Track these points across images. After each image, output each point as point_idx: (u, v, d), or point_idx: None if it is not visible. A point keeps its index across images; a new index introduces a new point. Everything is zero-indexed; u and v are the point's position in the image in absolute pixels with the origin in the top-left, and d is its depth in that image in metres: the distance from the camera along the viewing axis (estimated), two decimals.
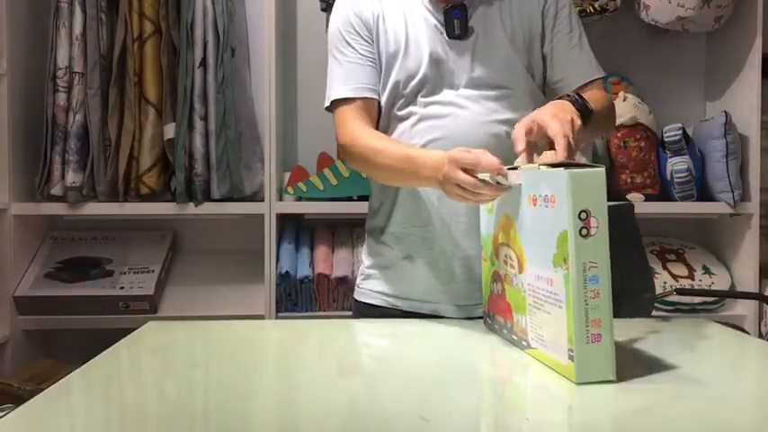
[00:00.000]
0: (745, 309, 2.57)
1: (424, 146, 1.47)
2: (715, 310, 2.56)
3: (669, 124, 2.57)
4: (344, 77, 1.53)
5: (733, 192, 2.52)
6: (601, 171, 1.03)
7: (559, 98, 1.38)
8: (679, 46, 2.80)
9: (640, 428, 0.90)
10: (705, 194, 2.60)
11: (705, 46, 2.82)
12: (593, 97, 1.45)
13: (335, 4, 1.59)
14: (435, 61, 1.49)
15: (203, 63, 2.38)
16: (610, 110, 1.55)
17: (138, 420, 0.92)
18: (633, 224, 2.09)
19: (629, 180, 2.56)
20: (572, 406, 0.98)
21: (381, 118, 1.56)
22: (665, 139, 2.56)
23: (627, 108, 2.54)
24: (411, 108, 1.51)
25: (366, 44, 1.53)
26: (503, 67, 1.50)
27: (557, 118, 1.23)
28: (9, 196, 2.36)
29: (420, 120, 1.50)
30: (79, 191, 2.39)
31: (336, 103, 1.53)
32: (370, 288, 1.60)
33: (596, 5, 2.48)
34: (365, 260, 1.64)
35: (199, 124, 2.38)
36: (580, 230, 1.01)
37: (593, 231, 1.01)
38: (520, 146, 1.23)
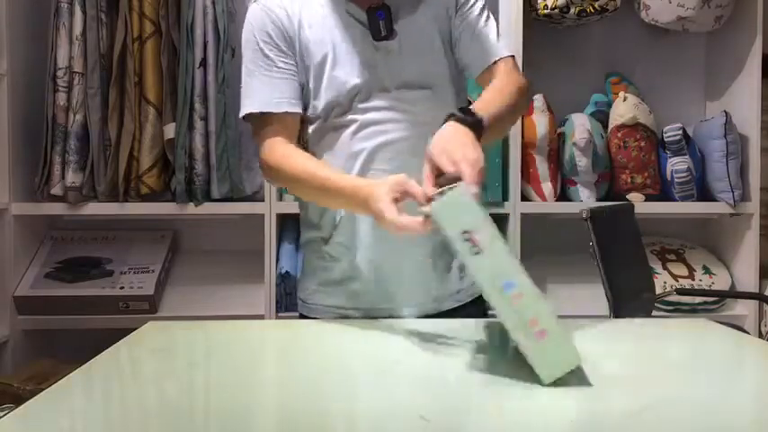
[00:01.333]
0: (745, 309, 2.57)
1: (371, 152, 1.44)
2: (715, 310, 2.57)
3: (669, 124, 2.57)
4: (261, 90, 1.46)
5: (733, 192, 2.52)
6: (460, 188, 1.02)
7: (448, 117, 1.31)
8: (679, 46, 2.80)
9: (640, 428, 0.90)
10: (705, 194, 2.60)
11: (705, 46, 2.82)
12: (496, 86, 1.43)
13: (249, 11, 1.50)
14: (366, 66, 1.45)
15: (203, 63, 2.38)
16: (514, 96, 1.45)
17: (138, 420, 0.92)
18: (633, 224, 2.10)
19: (629, 180, 2.56)
20: (572, 406, 0.98)
21: (314, 129, 1.50)
22: (666, 139, 2.56)
23: (627, 108, 2.54)
24: (350, 116, 1.46)
25: (284, 55, 1.46)
26: (430, 64, 1.48)
27: (452, 163, 1.18)
28: (9, 196, 2.36)
29: (361, 127, 1.45)
30: (79, 191, 2.39)
31: (253, 116, 1.46)
32: (319, 303, 1.54)
33: (596, 5, 2.48)
34: (308, 273, 1.58)
35: (199, 124, 2.38)
36: (471, 251, 1.00)
37: (483, 246, 0.99)
38: (430, 189, 1.19)
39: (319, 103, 1.47)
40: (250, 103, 1.46)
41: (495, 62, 1.49)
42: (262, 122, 1.46)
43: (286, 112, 1.46)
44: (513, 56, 1.52)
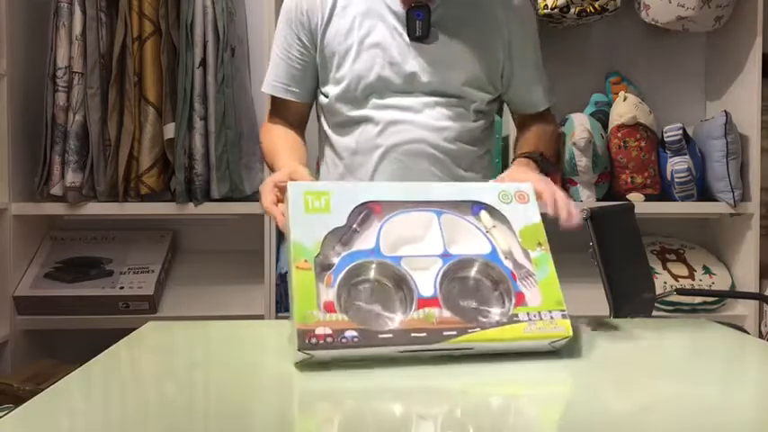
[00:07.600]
0: (745, 309, 2.57)
1: (385, 151, 1.46)
2: (715, 310, 2.57)
3: (669, 124, 2.57)
4: (273, 71, 1.53)
5: (733, 192, 2.52)
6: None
7: (521, 156, 1.45)
8: (679, 46, 2.80)
9: (640, 428, 0.90)
10: (705, 194, 2.60)
11: (705, 46, 2.82)
12: (544, 133, 1.57)
13: None
14: (390, 63, 1.44)
15: (203, 63, 2.38)
16: (556, 146, 1.66)
17: (138, 420, 0.92)
18: (633, 224, 2.10)
19: (629, 180, 2.56)
20: (571, 405, 0.98)
21: (330, 117, 1.52)
22: (666, 139, 2.56)
23: (627, 108, 2.54)
24: (367, 111, 1.46)
25: (300, 46, 1.49)
26: (464, 77, 1.47)
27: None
28: (9, 196, 2.36)
29: (378, 125, 1.46)
30: (79, 191, 2.39)
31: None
32: None
33: (596, 5, 2.48)
34: None
35: (199, 124, 2.38)
36: None
37: None
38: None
39: (334, 92, 1.47)
40: (266, 80, 1.55)
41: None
42: (270, 98, 1.57)
43: (286, 99, 1.53)
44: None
